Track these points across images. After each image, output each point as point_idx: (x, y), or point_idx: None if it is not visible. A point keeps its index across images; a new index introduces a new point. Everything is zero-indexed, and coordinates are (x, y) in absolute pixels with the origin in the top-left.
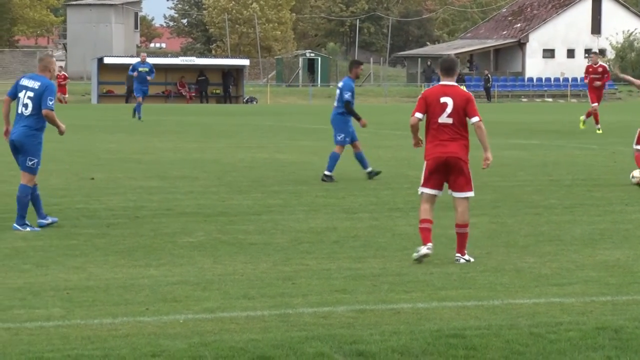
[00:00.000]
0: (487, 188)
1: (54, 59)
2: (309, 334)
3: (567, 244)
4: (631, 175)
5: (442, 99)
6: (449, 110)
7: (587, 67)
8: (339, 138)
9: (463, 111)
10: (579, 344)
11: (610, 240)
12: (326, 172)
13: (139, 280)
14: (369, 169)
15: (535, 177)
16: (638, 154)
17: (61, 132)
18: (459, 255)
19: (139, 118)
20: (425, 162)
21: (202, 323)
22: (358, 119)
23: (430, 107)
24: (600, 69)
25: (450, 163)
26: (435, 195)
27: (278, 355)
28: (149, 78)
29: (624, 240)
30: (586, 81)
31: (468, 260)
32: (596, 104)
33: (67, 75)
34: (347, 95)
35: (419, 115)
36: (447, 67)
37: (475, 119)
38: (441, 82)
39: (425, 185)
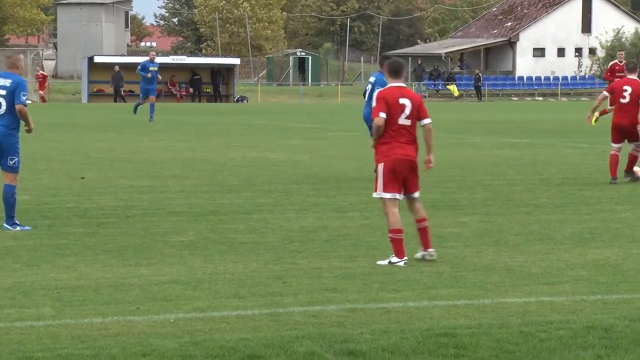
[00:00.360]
0: (478, 187)
1: (22, 56)
2: (300, 333)
3: (557, 242)
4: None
5: (401, 100)
6: (407, 111)
7: (613, 65)
8: None
9: (417, 113)
10: (569, 342)
11: (600, 239)
12: None
13: (130, 279)
14: None
15: (526, 176)
16: (614, 153)
17: (29, 130)
18: (432, 250)
19: (134, 112)
20: (382, 164)
21: (193, 322)
22: None
23: (392, 108)
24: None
25: (411, 166)
26: (399, 200)
27: (268, 354)
28: (159, 77)
29: (614, 239)
30: (612, 79)
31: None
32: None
33: (45, 74)
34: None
35: (383, 115)
36: (396, 69)
37: (428, 121)
38: (392, 84)
39: (388, 189)
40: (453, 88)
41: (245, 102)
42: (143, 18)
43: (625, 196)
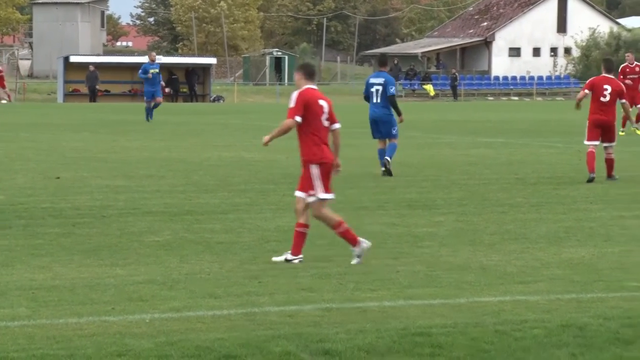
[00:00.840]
0: (454, 186)
1: None
2: (275, 332)
3: (532, 242)
4: None
5: (320, 102)
6: (326, 113)
7: (624, 68)
8: (394, 132)
9: (331, 116)
10: (544, 341)
11: (575, 238)
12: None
13: (105, 279)
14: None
15: (501, 176)
16: (591, 150)
17: None
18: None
19: (149, 119)
20: (316, 165)
21: (168, 322)
22: (399, 113)
23: (313, 109)
24: (637, 69)
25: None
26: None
27: (244, 354)
28: (162, 83)
29: (589, 238)
30: (624, 82)
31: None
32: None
33: (2, 69)
34: (392, 90)
35: (299, 119)
36: (311, 71)
37: (339, 125)
38: (309, 86)
39: (328, 191)
40: (429, 88)
41: (222, 101)
42: (119, 17)
43: (599, 195)
